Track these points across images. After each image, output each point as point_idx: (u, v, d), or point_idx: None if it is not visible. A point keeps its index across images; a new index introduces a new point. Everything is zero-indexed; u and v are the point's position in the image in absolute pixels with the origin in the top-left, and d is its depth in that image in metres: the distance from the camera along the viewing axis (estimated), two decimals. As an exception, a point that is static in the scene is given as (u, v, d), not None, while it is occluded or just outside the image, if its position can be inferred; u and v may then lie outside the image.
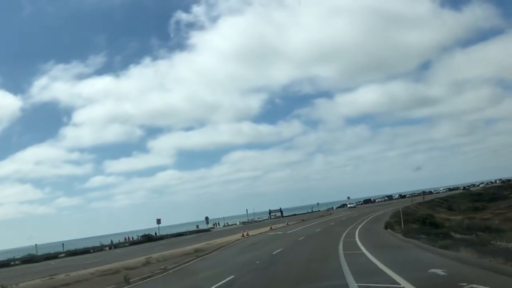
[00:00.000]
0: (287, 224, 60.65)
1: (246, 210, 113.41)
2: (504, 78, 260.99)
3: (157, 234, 70.78)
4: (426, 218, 37.45)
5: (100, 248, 63.32)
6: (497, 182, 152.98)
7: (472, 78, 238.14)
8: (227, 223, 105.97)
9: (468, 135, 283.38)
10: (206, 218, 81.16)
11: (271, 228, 53.56)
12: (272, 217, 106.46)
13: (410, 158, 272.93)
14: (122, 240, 74.45)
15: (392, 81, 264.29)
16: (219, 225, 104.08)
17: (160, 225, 67.39)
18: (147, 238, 66.37)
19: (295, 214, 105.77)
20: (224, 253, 28.35)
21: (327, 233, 36.11)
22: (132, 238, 75.10)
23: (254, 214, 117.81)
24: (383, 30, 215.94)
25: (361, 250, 19.91)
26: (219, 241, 40.90)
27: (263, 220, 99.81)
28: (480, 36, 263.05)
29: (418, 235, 23.11)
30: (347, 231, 34.75)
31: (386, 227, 33.34)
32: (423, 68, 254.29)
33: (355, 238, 27.25)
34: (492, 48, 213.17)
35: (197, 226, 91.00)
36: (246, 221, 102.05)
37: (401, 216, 30.93)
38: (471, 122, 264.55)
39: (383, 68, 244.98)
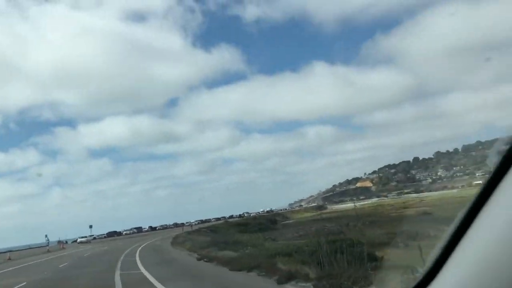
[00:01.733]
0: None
1: None
2: (243, 121, 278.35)
3: None
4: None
5: None
6: (245, 215, 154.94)
7: (215, 119, 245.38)
8: None
9: (208, 173, 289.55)
10: None
11: None
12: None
13: (153, 193, 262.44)
14: None
15: (139, 115, 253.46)
16: None
17: None
18: None
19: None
20: None
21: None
22: None
23: None
24: (135, 60, 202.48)
25: None
26: None
27: None
28: (225, 78, 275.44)
29: None
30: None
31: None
32: (170, 104, 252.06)
33: None
34: (235, 92, 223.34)
35: None
36: None
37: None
38: (212, 160, 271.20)
39: (132, 100, 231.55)
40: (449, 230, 1.19)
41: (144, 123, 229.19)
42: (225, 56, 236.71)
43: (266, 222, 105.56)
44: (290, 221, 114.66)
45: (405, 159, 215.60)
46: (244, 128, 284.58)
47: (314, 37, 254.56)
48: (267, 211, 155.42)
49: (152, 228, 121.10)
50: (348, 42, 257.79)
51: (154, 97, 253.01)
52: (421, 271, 1.50)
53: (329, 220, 72.95)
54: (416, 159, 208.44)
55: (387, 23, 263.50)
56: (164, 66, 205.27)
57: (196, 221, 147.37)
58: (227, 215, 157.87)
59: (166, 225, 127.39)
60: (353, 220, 57.25)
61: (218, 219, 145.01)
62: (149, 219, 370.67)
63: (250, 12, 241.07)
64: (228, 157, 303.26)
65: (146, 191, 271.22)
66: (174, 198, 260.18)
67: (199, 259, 19.13)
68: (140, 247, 39.25)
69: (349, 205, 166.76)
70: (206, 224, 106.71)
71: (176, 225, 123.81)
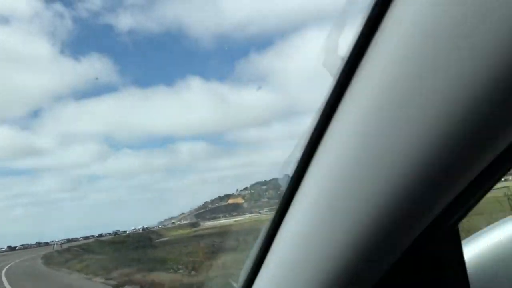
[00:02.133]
0: None
1: None
2: (112, 136, 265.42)
3: None
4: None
5: None
6: (119, 233, 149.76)
7: (82, 132, 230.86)
8: None
9: (73, 190, 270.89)
10: None
11: None
12: None
13: (11, 211, 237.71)
14: None
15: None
16: None
17: None
18: None
19: None
20: None
21: None
22: None
23: None
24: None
25: None
26: None
27: None
28: (95, 90, 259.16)
29: None
30: None
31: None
32: (33, 116, 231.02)
33: None
34: (105, 104, 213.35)
35: None
36: None
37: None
38: (77, 176, 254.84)
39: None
40: (258, 241, 1.28)
41: (2, 135, 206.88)
42: (95, 66, 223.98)
43: (143, 240, 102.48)
44: (166, 239, 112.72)
45: (276, 176, 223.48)
46: (114, 143, 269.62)
47: (190, 52, 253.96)
48: (143, 229, 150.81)
49: (11, 248, 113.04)
50: (223, 59, 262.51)
51: (15, 107, 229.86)
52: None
53: (211, 236, 71.60)
54: (286, 176, 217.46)
55: (261, 43, 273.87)
56: (27, 73, 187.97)
57: (62, 240, 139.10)
58: (95, 234, 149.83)
59: (28, 244, 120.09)
60: (241, 235, 56.67)
61: (86, 237, 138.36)
62: (6, 239, 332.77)
63: (124, 22, 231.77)
64: (95, 173, 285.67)
65: (3, 209, 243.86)
66: (35, 216, 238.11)
67: (117, 286, 15.16)
68: (4, 270, 33.72)
69: (222, 221, 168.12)
70: (75, 243, 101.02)
71: (39, 244, 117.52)
